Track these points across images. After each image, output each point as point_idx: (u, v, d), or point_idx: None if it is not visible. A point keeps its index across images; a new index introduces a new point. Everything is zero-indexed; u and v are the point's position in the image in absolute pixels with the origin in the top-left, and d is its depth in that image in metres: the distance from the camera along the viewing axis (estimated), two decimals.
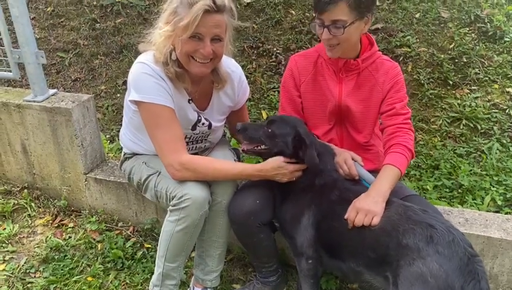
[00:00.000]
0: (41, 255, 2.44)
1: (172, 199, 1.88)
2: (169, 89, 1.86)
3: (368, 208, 1.68)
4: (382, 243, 1.65)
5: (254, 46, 4.11)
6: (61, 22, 4.63)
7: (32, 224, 2.69)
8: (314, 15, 1.90)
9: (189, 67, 1.86)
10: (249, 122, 1.96)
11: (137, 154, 2.15)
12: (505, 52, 3.74)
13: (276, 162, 1.86)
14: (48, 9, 4.73)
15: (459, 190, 2.88)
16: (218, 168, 1.91)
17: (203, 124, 2.05)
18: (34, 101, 2.59)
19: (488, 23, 3.90)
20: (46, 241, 2.55)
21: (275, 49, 4.03)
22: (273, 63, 3.98)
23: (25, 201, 2.80)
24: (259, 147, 1.94)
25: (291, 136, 1.87)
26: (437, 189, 2.92)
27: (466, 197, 2.82)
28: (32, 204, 2.79)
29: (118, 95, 4.04)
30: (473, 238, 1.98)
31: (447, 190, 2.90)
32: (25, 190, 2.85)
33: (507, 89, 3.53)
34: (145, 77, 1.82)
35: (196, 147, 2.15)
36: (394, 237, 1.63)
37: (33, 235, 2.62)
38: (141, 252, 2.44)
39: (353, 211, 1.71)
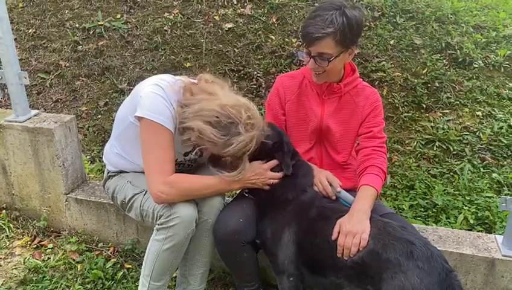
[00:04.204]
0: (19, 276, 2.41)
1: (160, 218, 1.89)
2: (175, 117, 1.87)
3: (355, 230, 1.73)
4: (362, 257, 1.70)
5: (235, 69, 4.21)
6: (43, 43, 4.65)
7: (10, 245, 2.65)
8: (302, 43, 1.98)
9: None
10: None
11: (122, 172, 2.16)
12: (474, 77, 3.93)
13: (255, 166, 1.93)
14: (29, 31, 4.75)
15: (434, 209, 2.98)
16: (201, 183, 1.94)
17: (196, 153, 2.10)
18: (16, 122, 2.59)
19: (458, 50, 4.10)
20: (24, 262, 2.51)
21: (255, 72, 4.13)
22: (254, 86, 4.07)
23: (2, 222, 2.76)
24: None
25: (274, 140, 1.95)
26: (412, 208, 3.01)
27: (440, 216, 2.92)
28: (11, 225, 2.75)
29: (99, 116, 4.05)
30: (446, 255, 2.03)
31: (422, 209, 3.00)
32: (3, 211, 2.81)
33: (477, 113, 3.70)
34: (156, 97, 1.83)
35: (182, 169, 2.18)
36: (375, 251, 1.69)
37: (11, 256, 2.58)
38: (121, 273, 2.42)
39: (342, 236, 1.76)
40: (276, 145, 1.96)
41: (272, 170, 1.96)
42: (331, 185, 1.99)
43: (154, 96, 1.84)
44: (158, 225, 1.90)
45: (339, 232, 1.78)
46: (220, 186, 1.96)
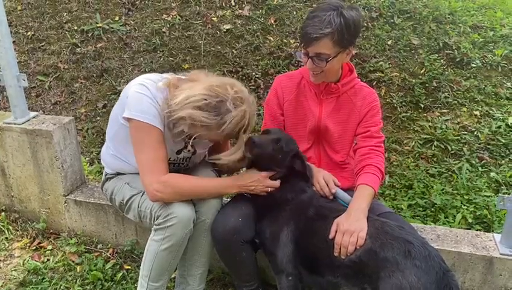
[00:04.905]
0: (19, 278, 2.41)
1: (157, 219, 1.89)
2: (163, 115, 1.87)
3: (353, 229, 1.75)
4: (360, 256, 1.71)
5: (234, 70, 4.22)
6: (42, 46, 4.66)
7: (10, 247, 2.65)
8: (300, 44, 1.99)
9: None
10: (257, 136, 1.97)
11: (119, 174, 2.16)
12: (472, 77, 3.94)
13: (253, 173, 1.95)
14: (28, 34, 4.76)
15: (432, 209, 2.98)
16: (197, 183, 1.95)
17: (188, 150, 2.10)
18: (15, 124, 2.60)
19: (456, 50, 4.11)
20: (23, 264, 2.52)
21: (253, 73, 4.14)
22: (253, 87, 4.08)
23: (2, 224, 2.76)
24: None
25: (293, 152, 1.98)
26: (411, 208, 3.02)
27: (439, 216, 2.92)
28: (10, 227, 2.76)
29: (98, 118, 4.06)
30: (444, 254, 2.06)
31: (421, 209, 3.00)
32: (3, 213, 2.82)
33: (474, 112, 3.70)
34: (142, 97, 1.84)
35: (178, 168, 2.19)
36: (372, 250, 1.70)
37: (10, 258, 2.59)
38: (121, 274, 2.43)
39: (339, 235, 1.77)
40: (294, 156, 1.98)
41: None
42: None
43: (139, 96, 1.85)
44: (156, 225, 1.91)
45: (336, 231, 1.79)
46: (217, 190, 1.97)
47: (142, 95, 1.85)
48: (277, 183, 1.95)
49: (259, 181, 1.93)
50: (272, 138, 1.94)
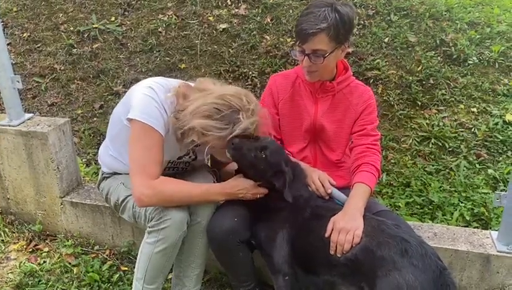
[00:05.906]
0: (15, 281, 2.40)
1: (151, 221, 1.88)
2: (167, 122, 1.86)
3: (349, 227, 1.74)
4: (357, 254, 1.71)
5: (230, 69, 4.21)
6: (38, 47, 4.64)
7: (6, 250, 2.65)
8: (295, 42, 1.99)
9: None
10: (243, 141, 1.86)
11: (116, 173, 2.15)
12: (469, 74, 3.93)
13: (242, 180, 1.93)
14: (24, 35, 4.74)
15: (430, 206, 2.98)
16: (184, 190, 1.90)
17: (190, 157, 2.10)
18: (9, 126, 2.59)
19: (453, 47, 4.10)
20: (19, 266, 2.51)
21: (250, 72, 4.13)
22: (249, 86, 4.07)
23: None
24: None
25: (278, 167, 1.90)
26: (409, 206, 3.01)
27: (436, 213, 2.92)
28: (6, 229, 2.75)
29: (95, 119, 4.05)
30: (441, 252, 2.05)
31: (418, 207, 2.99)
32: None
33: (472, 109, 3.69)
34: (149, 100, 1.83)
35: (176, 171, 2.18)
36: (369, 248, 1.69)
37: (6, 261, 2.58)
38: (118, 275, 2.42)
39: (335, 233, 1.76)
40: (278, 172, 1.91)
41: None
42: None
43: (147, 98, 1.84)
44: (149, 227, 1.89)
45: (332, 229, 1.78)
46: (204, 197, 1.94)
47: (150, 99, 1.83)
48: (265, 190, 1.93)
49: (248, 189, 1.91)
50: (257, 145, 1.86)
